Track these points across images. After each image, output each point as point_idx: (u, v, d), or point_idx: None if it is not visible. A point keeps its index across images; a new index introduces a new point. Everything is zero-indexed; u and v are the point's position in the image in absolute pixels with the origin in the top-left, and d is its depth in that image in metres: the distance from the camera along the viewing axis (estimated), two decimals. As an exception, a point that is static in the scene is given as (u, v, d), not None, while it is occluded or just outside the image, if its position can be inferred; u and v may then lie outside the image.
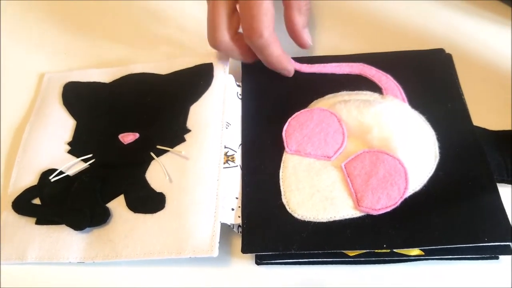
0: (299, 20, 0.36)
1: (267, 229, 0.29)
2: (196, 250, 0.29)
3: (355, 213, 0.29)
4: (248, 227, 0.30)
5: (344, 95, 0.35)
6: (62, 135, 0.36)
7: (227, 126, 0.34)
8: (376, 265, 0.30)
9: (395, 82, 0.35)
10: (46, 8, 0.47)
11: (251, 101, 0.36)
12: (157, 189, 0.32)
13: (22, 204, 0.33)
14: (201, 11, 0.45)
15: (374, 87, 0.35)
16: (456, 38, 0.40)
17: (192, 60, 0.38)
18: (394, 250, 0.28)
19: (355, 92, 0.35)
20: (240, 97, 0.37)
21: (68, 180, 0.33)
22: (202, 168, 0.32)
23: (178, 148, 0.33)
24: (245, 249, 0.29)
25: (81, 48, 0.43)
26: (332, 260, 0.30)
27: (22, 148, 0.36)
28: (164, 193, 0.31)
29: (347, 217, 0.29)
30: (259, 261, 0.30)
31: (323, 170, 0.31)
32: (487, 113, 0.34)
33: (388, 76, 0.36)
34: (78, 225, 0.31)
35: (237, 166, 0.33)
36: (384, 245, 0.28)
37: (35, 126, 0.37)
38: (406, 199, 0.29)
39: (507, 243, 0.28)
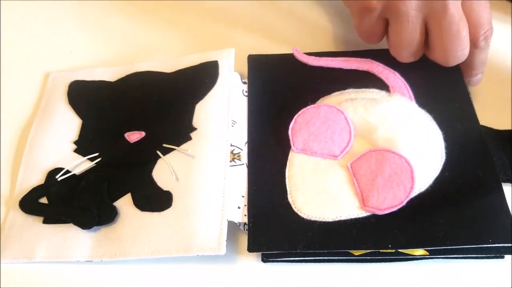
0: (476, 59, 0.35)
1: (273, 228, 0.31)
2: (204, 248, 0.30)
3: (361, 213, 0.31)
4: (254, 226, 0.31)
5: (351, 93, 0.37)
6: (68, 134, 0.38)
7: (233, 124, 0.36)
8: (382, 263, 0.31)
9: (402, 79, 0.37)
10: (50, 7, 0.48)
11: (257, 98, 0.38)
12: (164, 187, 0.34)
13: (29, 203, 0.34)
14: (206, 9, 0.45)
15: (381, 85, 0.37)
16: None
17: (197, 58, 0.40)
18: (399, 250, 0.30)
19: (362, 89, 0.37)
20: (245, 94, 0.38)
21: (74, 179, 0.35)
22: (209, 167, 0.34)
23: (184, 146, 0.35)
24: (251, 248, 0.31)
25: (85, 47, 0.45)
26: (338, 259, 0.32)
27: (28, 147, 0.37)
28: (171, 191, 0.33)
29: (352, 217, 0.31)
30: (266, 259, 0.31)
31: (329, 169, 0.33)
32: (488, 111, 0.36)
33: (396, 73, 0.37)
34: (85, 224, 0.32)
35: (243, 164, 0.35)
36: (389, 245, 0.29)
37: (41, 125, 0.39)
38: (411, 199, 0.31)
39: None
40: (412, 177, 0.31)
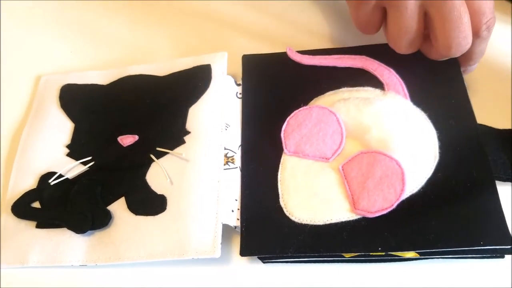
0: (476, 49, 0.35)
1: (265, 232, 0.31)
2: (199, 251, 0.31)
3: (351, 216, 0.31)
4: (247, 230, 0.32)
5: (344, 92, 0.36)
6: (60, 137, 0.38)
7: (226, 128, 0.36)
8: (380, 263, 0.32)
9: (397, 76, 0.36)
10: (43, 9, 0.48)
11: (251, 100, 0.38)
12: (158, 191, 0.34)
13: (21, 208, 0.35)
14: (201, 10, 0.45)
15: (376, 82, 0.37)
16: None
17: (190, 61, 0.40)
18: (389, 253, 0.30)
19: (356, 88, 0.36)
20: (240, 96, 0.38)
21: (67, 183, 0.35)
22: (203, 170, 0.34)
23: (178, 150, 0.35)
24: (243, 252, 0.31)
25: (77, 49, 0.45)
26: (332, 260, 0.32)
27: (20, 151, 0.38)
28: (165, 195, 0.34)
29: (343, 219, 0.31)
30: (263, 260, 0.32)
31: (321, 172, 0.33)
32: (489, 111, 0.35)
33: (391, 70, 0.37)
34: (80, 228, 0.33)
35: (237, 167, 0.35)
36: (379, 248, 0.30)
37: (33, 129, 0.39)
38: (403, 201, 0.31)
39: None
40: (403, 180, 0.31)
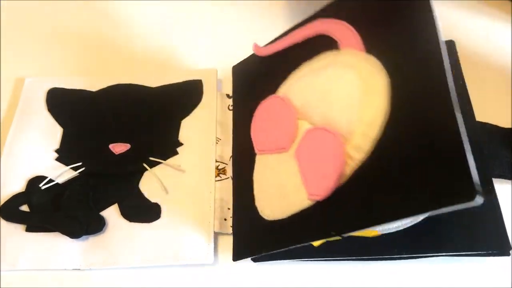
0: None
1: (248, 234, 0.33)
2: (193, 257, 0.33)
3: (308, 203, 0.29)
4: (236, 236, 0.34)
5: (302, 69, 0.34)
6: (49, 141, 0.38)
7: (217, 142, 0.39)
8: (375, 262, 0.31)
9: (351, 28, 0.32)
10: (23, 10, 0.49)
11: (238, 109, 0.39)
12: (151, 199, 0.36)
13: (10, 211, 0.35)
14: (191, 27, 0.47)
15: (332, 43, 0.33)
16: (455, 34, 0.41)
17: (181, 75, 0.41)
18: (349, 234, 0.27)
19: (314, 59, 0.34)
20: (231, 109, 0.40)
21: (57, 187, 0.36)
22: (195, 182, 0.36)
23: (170, 160, 0.37)
24: (234, 258, 0.33)
25: (58, 54, 0.45)
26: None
27: (6, 154, 0.38)
28: (158, 203, 0.35)
29: (301, 208, 0.30)
30: (253, 260, 0.34)
31: (283, 164, 0.32)
32: (489, 111, 0.35)
33: (344, 23, 0.32)
34: (74, 233, 0.33)
35: (228, 178, 0.37)
36: (332, 232, 0.27)
37: (19, 131, 0.39)
38: (356, 175, 0.27)
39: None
40: (342, 153, 0.27)
